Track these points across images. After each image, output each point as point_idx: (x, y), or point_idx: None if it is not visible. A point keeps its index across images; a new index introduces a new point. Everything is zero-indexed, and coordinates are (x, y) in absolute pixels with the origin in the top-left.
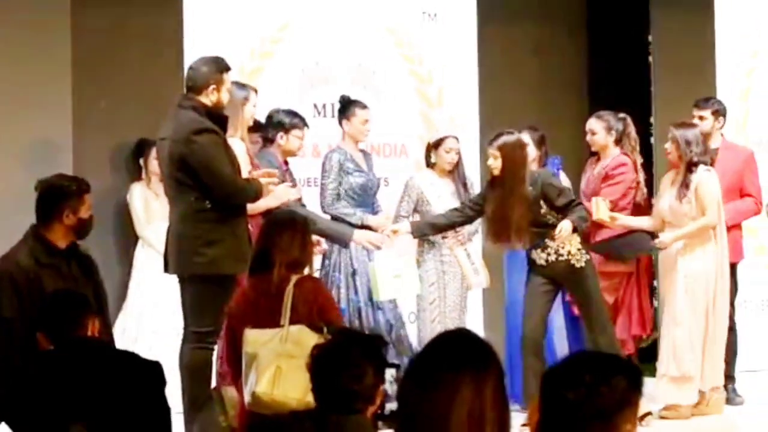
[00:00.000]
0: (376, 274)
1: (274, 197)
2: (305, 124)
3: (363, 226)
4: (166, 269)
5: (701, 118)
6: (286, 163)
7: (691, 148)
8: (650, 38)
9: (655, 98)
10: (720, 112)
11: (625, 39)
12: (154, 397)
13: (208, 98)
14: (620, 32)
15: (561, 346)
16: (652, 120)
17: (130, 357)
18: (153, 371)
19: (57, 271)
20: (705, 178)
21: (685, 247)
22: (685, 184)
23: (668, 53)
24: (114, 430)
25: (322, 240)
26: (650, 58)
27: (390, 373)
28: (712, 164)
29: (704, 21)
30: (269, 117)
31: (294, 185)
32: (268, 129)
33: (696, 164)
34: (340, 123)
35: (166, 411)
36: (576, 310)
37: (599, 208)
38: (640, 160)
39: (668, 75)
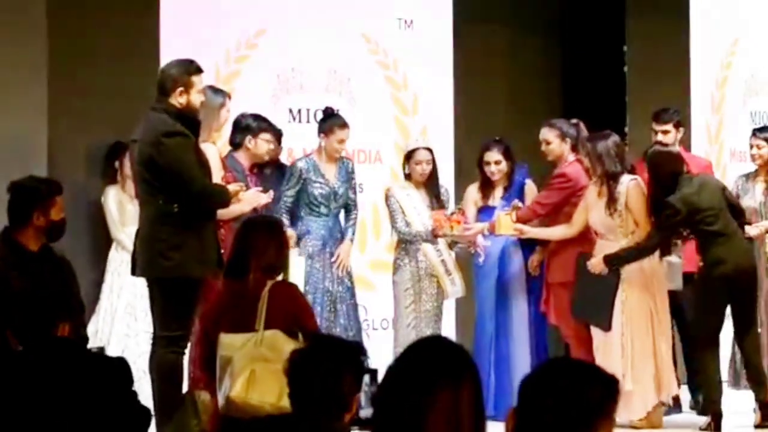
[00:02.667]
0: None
1: (245, 202)
2: (275, 130)
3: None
4: (134, 272)
5: (665, 132)
6: (253, 168)
7: (603, 161)
8: (625, 47)
9: (629, 107)
10: (680, 123)
11: (600, 48)
12: (123, 395)
13: (176, 100)
14: (595, 41)
15: (523, 357)
16: (626, 129)
17: (96, 356)
18: (119, 369)
19: (26, 273)
20: (632, 190)
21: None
22: (612, 198)
23: (643, 62)
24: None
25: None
26: (625, 68)
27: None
28: (632, 171)
29: (679, 30)
30: (236, 122)
31: (264, 191)
32: (235, 134)
33: (615, 176)
34: (319, 134)
35: (138, 409)
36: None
37: (500, 224)
38: None
39: (643, 84)
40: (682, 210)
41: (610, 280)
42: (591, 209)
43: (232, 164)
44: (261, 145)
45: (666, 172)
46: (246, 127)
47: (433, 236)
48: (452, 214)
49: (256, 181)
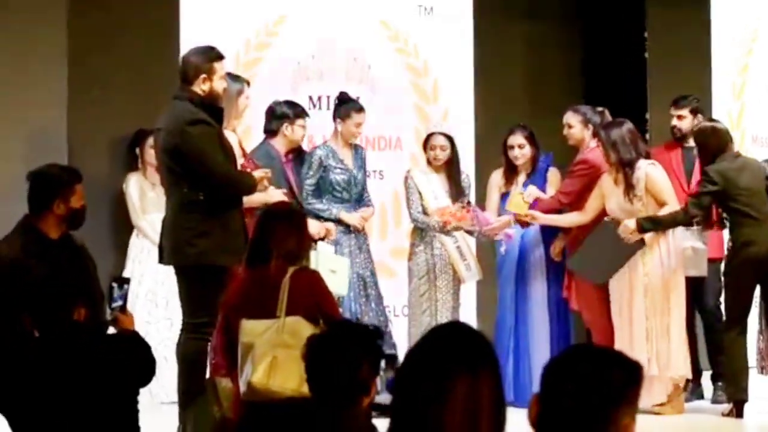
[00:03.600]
0: (318, 261)
1: (268, 195)
2: (307, 114)
3: (339, 222)
4: (161, 259)
5: (680, 117)
6: (288, 154)
7: (617, 148)
8: (646, 34)
9: (650, 93)
10: (699, 110)
11: (620, 34)
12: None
13: (200, 88)
14: (616, 27)
15: (543, 344)
16: (647, 115)
17: (113, 337)
18: (135, 343)
19: (46, 261)
20: (652, 173)
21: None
22: (629, 184)
23: (664, 49)
24: (106, 412)
25: (332, 230)
26: (646, 54)
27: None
28: (648, 157)
29: (700, 17)
30: (271, 109)
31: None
32: (270, 121)
33: (630, 162)
34: (334, 119)
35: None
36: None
37: (512, 201)
38: None
39: (664, 71)
40: (719, 182)
41: (633, 246)
42: (608, 197)
43: (266, 151)
44: (298, 131)
45: (712, 146)
46: (282, 114)
47: (443, 232)
48: (458, 210)
49: (292, 167)
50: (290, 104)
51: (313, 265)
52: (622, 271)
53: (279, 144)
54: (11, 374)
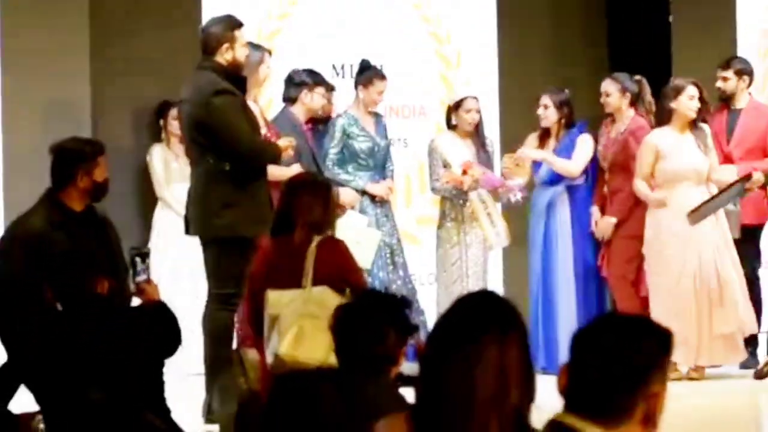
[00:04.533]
0: (345, 232)
1: (291, 171)
2: (328, 85)
3: (363, 192)
4: (187, 231)
5: (724, 79)
6: (308, 122)
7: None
8: None
9: (675, 57)
10: (743, 71)
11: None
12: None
13: (223, 57)
14: None
15: (568, 308)
16: (671, 80)
17: (138, 309)
18: (161, 313)
19: (70, 234)
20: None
21: None
22: (700, 139)
23: (688, 12)
24: (132, 384)
25: (356, 202)
26: (670, 17)
27: None
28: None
29: None
30: (290, 77)
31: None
32: (289, 89)
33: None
34: (356, 87)
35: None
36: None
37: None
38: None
39: (688, 34)
40: None
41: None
42: (668, 156)
43: (285, 119)
44: (316, 99)
45: None
46: (301, 82)
47: (463, 193)
48: (463, 172)
49: (312, 135)
50: (309, 72)
51: (339, 234)
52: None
53: (298, 111)
54: (36, 347)
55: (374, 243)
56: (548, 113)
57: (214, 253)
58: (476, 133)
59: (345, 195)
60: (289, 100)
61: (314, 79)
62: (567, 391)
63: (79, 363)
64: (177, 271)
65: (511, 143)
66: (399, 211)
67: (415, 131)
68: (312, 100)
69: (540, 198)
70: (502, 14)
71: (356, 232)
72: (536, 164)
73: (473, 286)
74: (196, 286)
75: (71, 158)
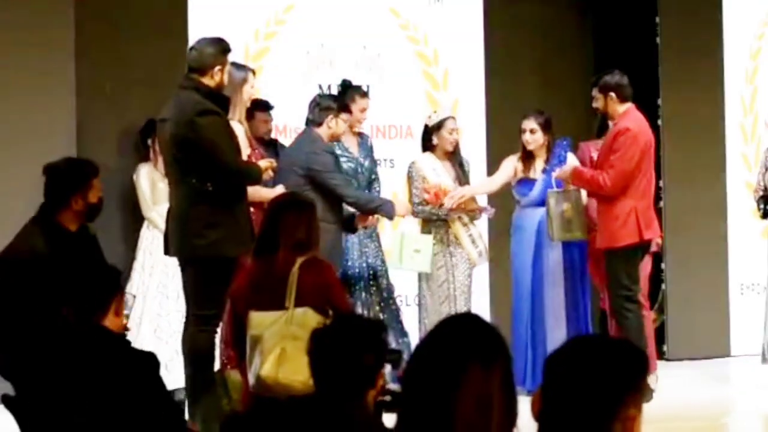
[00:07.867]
0: (403, 243)
1: (274, 192)
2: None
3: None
4: (167, 251)
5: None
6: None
7: None
8: (657, 19)
9: (662, 79)
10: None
11: (632, 20)
12: (152, 389)
13: (212, 80)
14: (627, 13)
15: (559, 330)
16: (659, 102)
17: (126, 349)
18: (148, 362)
19: (69, 254)
20: None
21: None
22: None
23: (676, 35)
24: (114, 423)
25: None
26: (657, 39)
27: None
28: None
29: (711, 2)
30: (315, 102)
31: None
32: (314, 112)
33: None
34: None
35: (168, 403)
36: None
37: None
38: None
39: (676, 56)
40: None
41: None
42: None
43: (309, 139)
44: (341, 124)
45: None
46: (327, 107)
47: (446, 212)
48: (432, 195)
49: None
50: (333, 98)
51: (398, 247)
52: None
53: (324, 134)
54: (33, 370)
55: (430, 246)
56: (536, 137)
57: (195, 274)
58: (453, 154)
59: (399, 207)
60: (314, 122)
61: (339, 105)
62: (541, 416)
63: (65, 387)
64: (164, 291)
65: (497, 163)
66: (385, 232)
67: (401, 152)
68: (337, 125)
69: (528, 219)
70: (489, 35)
71: (415, 241)
72: (525, 185)
73: (462, 306)
74: (182, 307)
75: (66, 181)
